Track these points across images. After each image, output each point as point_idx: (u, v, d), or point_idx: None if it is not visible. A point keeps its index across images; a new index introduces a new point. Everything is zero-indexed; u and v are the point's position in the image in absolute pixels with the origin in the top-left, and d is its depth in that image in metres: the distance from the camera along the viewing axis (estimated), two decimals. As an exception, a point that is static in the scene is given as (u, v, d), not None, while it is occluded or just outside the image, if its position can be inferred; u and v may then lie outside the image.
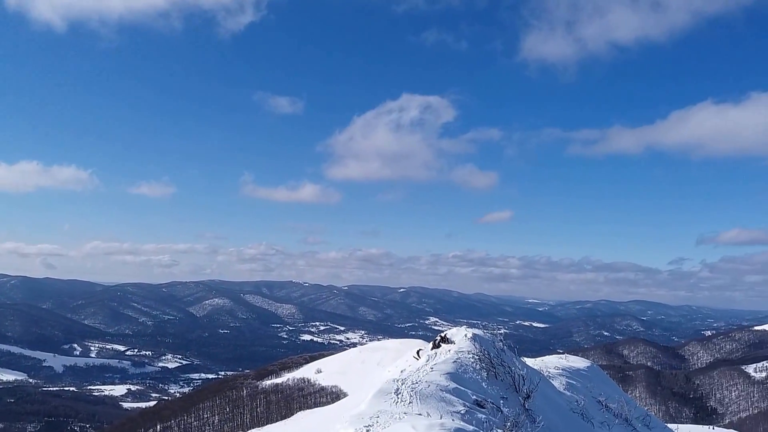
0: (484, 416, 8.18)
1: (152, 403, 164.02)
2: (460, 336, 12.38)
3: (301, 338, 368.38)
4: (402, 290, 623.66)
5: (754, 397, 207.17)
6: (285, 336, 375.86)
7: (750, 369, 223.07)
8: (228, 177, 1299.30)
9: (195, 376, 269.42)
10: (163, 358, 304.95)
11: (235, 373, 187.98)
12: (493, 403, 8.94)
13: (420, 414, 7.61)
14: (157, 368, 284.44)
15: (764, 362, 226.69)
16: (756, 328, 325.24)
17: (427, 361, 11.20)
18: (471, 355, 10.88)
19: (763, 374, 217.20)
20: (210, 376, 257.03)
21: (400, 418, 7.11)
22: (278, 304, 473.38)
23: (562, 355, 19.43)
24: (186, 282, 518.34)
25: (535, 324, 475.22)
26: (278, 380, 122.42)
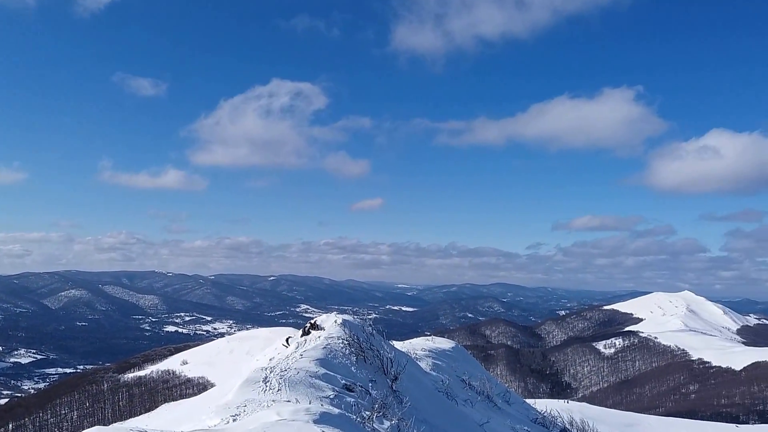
0: (353, 399, 8.32)
1: (3, 401, 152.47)
2: (330, 322, 12.48)
3: (166, 330, 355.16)
4: (272, 278, 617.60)
5: (604, 371, 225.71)
6: (148, 328, 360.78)
7: (600, 345, 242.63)
8: (85, 162, 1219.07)
9: (51, 370, 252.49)
10: (16, 353, 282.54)
11: (95, 366, 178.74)
12: (362, 387, 9.10)
13: (289, 401, 7.61)
14: (8, 364, 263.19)
15: (613, 339, 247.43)
16: (605, 307, 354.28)
17: (297, 348, 11.20)
18: (341, 341, 11.01)
19: (612, 350, 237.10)
20: (68, 370, 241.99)
21: (268, 406, 7.07)
22: (140, 295, 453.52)
23: (429, 337, 20.16)
24: (40, 273, 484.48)
25: (404, 308, 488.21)
26: (141, 373, 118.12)
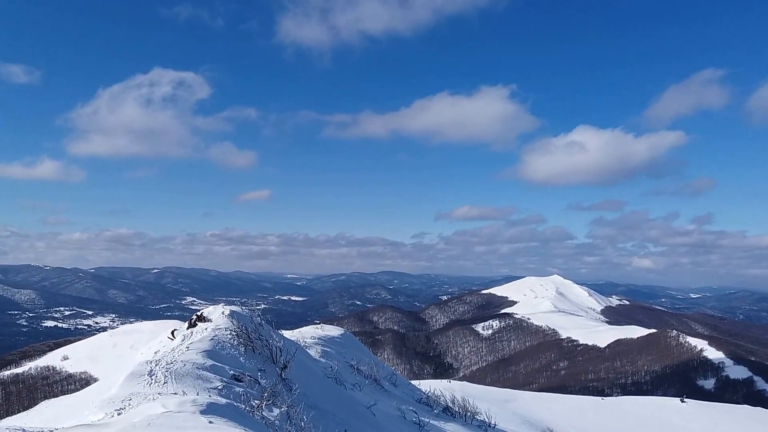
0: (241, 389, 8.20)
1: None
2: (218, 314, 12.19)
3: (44, 325, 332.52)
4: (156, 271, 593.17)
5: (483, 351, 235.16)
6: (25, 323, 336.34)
7: (479, 327, 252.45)
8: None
9: None
10: None
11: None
12: (250, 376, 8.99)
13: (175, 393, 7.40)
14: None
15: (490, 321, 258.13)
16: (483, 291, 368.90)
17: (183, 340, 10.87)
18: (228, 332, 10.79)
19: (490, 331, 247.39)
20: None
21: (153, 399, 6.84)
22: (15, 290, 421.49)
23: (318, 326, 20.20)
24: None
25: (293, 298, 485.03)
26: (18, 370, 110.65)
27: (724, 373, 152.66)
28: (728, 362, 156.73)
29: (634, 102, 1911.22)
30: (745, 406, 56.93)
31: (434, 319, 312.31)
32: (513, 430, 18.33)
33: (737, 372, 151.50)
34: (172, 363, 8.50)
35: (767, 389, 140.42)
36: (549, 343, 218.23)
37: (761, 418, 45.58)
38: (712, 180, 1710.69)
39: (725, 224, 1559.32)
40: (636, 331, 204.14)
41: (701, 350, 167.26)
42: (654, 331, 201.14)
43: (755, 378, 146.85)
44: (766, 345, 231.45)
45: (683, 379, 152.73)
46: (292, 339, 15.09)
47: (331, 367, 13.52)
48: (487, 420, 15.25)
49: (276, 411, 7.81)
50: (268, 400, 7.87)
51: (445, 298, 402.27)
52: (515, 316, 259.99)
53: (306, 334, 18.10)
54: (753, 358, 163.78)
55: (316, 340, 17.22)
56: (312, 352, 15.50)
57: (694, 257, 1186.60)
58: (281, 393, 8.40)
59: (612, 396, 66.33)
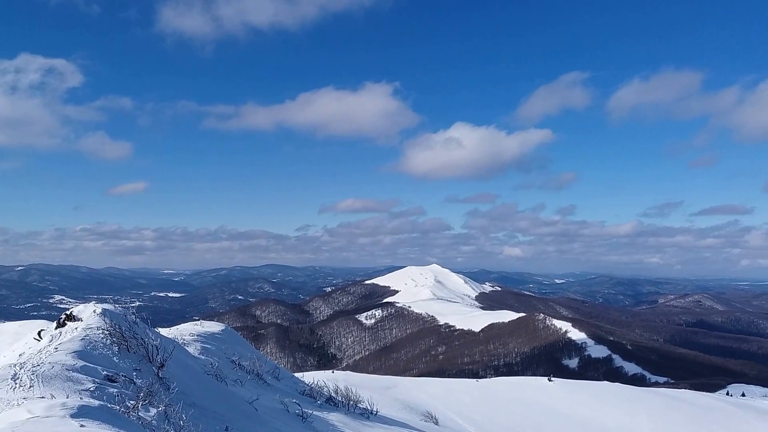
0: (115, 390, 7.83)
1: None
2: (88, 312, 11.53)
3: None
4: (21, 268, 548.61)
5: (366, 341, 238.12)
6: None
7: (362, 317, 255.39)
8: None
9: None
10: None
11: None
12: (125, 377, 8.60)
13: (43, 397, 6.94)
14: None
15: (373, 311, 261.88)
16: (366, 282, 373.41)
17: (51, 341, 10.19)
18: (100, 331, 10.24)
19: (373, 321, 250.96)
20: None
21: (18, 404, 6.37)
22: None
23: (198, 322, 19.60)
24: None
25: (171, 294, 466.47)
26: None
27: (587, 353, 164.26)
28: (590, 342, 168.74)
29: (507, 101, 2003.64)
30: (605, 382, 61.45)
31: (318, 311, 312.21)
32: (394, 415, 18.77)
33: (598, 351, 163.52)
34: (38, 365, 7.97)
35: (624, 366, 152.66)
36: (428, 329, 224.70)
37: (618, 392, 49.36)
38: (575, 174, 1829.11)
39: (586, 215, 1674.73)
40: (507, 316, 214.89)
41: (566, 332, 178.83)
42: (523, 315, 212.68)
43: (613, 356, 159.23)
44: (623, 326, 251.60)
45: (550, 359, 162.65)
46: (170, 337, 14.57)
47: (212, 363, 13.21)
48: (369, 407, 15.52)
49: (153, 411, 7.54)
50: (145, 400, 7.58)
51: (329, 289, 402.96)
52: (397, 304, 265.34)
53: (185, 331, 17.52)
54: (611, 338, 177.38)
55: (196, 337, 16.73)
56: (191, 349, 15.05)
57: (558, 246, 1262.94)
58: (158, 392, 8.12)
59: (486, 378, 69.49)
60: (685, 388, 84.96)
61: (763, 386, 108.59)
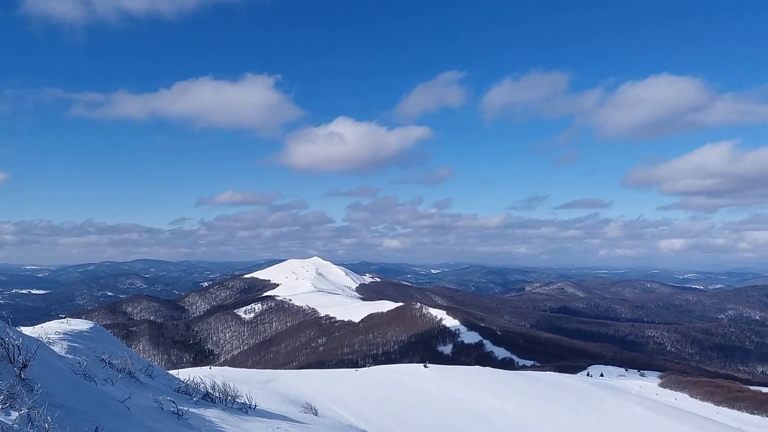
0: (-30, 395, 7.32)
1: None
2: (-62, 312, 10.59)
3: None
4: None
5: (244, 335, 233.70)
6: None
7: (241, 312, 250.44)
8: None
9: None
10: None
11: None
12: (-19, 380, 8.04)
13: None
14: None
15: (253, 305, 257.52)
16: (246, 276, 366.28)
17: None
18: (-48, 333, 9.48)
19: (252, 315, 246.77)
20: None
21: None
22: None
23: (64, 320, 18.47)
24: None
25: (34, 291, 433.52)
26: None
27: (460, 339, 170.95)
28: (463, 329, 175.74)
29: (388, 98, 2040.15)
30: (477, 366, 64.40)
31: (194, 307, 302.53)
32: (273, 408, 18.73)
33: (470, 337, 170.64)
34: None
35: (494, 351, 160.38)
36: (309, 321, 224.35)
37: (489, 376, 52.00)
38: (451, 170, 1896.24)
39: (461, 208, 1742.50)
40: (386, 306, 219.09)
41: (441, 320, 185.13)
42: (401, 304, 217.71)
43: (484, 341, 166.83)
44: (493, 312, 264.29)
45: (426, 346, 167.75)
46: (33, 336, 13.69)
47: (80, 363, 12.57)
48: (248, 402, 15.41)
49: (15, 414, 7.13)
50: (5, 403, 7.16)
51: (206, 284, 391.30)
52: (277, 298, 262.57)
53: (50, 330, 16.48)
54: (483, 324, 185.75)
55: (62, 336, 15.80)
56: (57, 348, 14.22)
57: (434, 237, 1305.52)
58: (20, 394, 7.68)
59: (365, 367, 70.62)
60: (550, 371, 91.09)
61: (619, 366, 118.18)
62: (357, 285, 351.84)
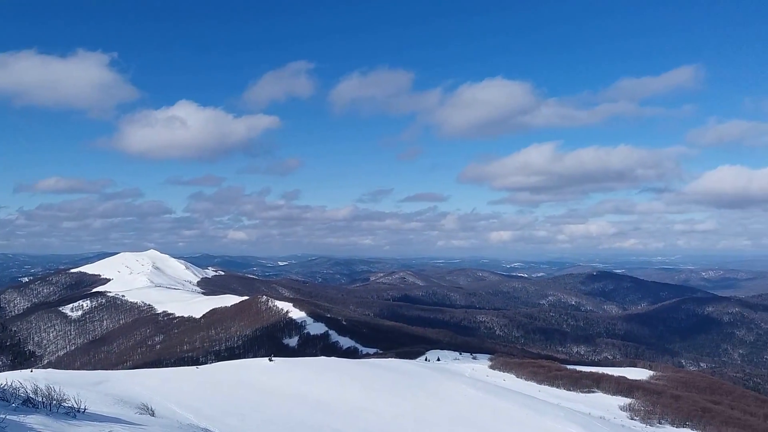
0: None
1: None
2: None
3: None
4: None
5: (71, 335, 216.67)
6: None
7: (67, 309, 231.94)
8: None
9: None
10: None
11: None
12: None
13: None
14: None
15: (81, 301, 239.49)
16: (72, 270, 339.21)
17: None
18: None
19: (80, 312, 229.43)
20: None
21: None
22: None
23: None
24: None
25: None
26: None
27: (306, 330, 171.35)
28: (309, 320, 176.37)
29: (234, 84, 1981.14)
30: (322, 357, 65.08)
31: (12, 304, 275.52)
32: (105, 411, 17.65)
33: (316, 328, 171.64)
34: None
35: (339, 340, 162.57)
36: (145, 319, 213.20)
37: (333, 366, 52.83)
38: (300, 161, 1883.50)
39: (309, 200, 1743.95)
40: (230, 300, 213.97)
41: (287, 312, 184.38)
42: (246, 298, 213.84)
43: (330, 332, 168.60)
44: (339, 303, 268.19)
45: (272, 340, 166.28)
46: None
47: None
48: (75, 405, 14.38)
49: None
50: None
51: (26, 279, 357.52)
52: (108, 294, 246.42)
53: None
54: (329, 315, 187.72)
55: None
56: None
57: (282, 229, 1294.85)
58: None
59: (207, 363, 68.62)
60: (392, 357, 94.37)
61: (455, 351, 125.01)
62: (199, 279, 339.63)
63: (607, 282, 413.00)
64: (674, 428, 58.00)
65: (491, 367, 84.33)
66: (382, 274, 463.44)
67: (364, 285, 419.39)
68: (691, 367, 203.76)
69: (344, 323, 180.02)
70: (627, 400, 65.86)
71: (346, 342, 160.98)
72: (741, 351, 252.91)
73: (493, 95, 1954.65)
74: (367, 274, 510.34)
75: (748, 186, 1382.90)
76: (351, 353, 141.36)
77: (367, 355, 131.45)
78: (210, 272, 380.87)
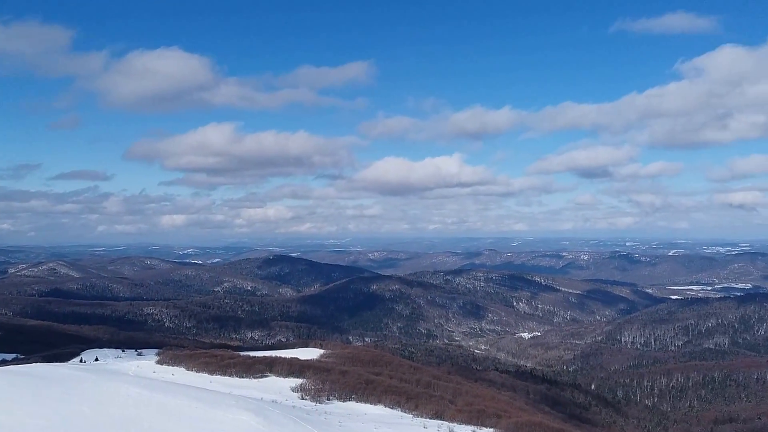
0: None
1: None
2: None
3: None
4: None
5: None
6: None
7: None
8: None
9: None
10: None
11: None
12: None
13: None
14: None
15: None
16: None
17: None
18: None
19: None
20: None
21: None
22: None
23: None
24: None
25: None
26: None
27: None
28: None
29: None
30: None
31: None
32: None
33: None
34: None
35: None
36: None
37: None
38: None
39: None
40: None
41: None
42: None
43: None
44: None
45: None
46: None
47: None
48: None
49: None
50: None
51: None
52: None
53: None
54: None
55: None
56: None
57: None
58: None
59: None
60: (37, 362, 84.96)
61: (117, 348, 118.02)
62: None
63: (284, 265, 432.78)
64: (341, 402, 63.57)
65: (159, 362, 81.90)
66: (25, 266, 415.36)
67: (0, 279, 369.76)
68: (357, 343, 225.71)
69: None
70: (299, 381, 69.94)
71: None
72: (399, 324, 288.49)
73: (167, 66, 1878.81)
74: (4, 266, 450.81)
75: (408, 176, 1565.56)
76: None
77: (4, 362, 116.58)
78: None
